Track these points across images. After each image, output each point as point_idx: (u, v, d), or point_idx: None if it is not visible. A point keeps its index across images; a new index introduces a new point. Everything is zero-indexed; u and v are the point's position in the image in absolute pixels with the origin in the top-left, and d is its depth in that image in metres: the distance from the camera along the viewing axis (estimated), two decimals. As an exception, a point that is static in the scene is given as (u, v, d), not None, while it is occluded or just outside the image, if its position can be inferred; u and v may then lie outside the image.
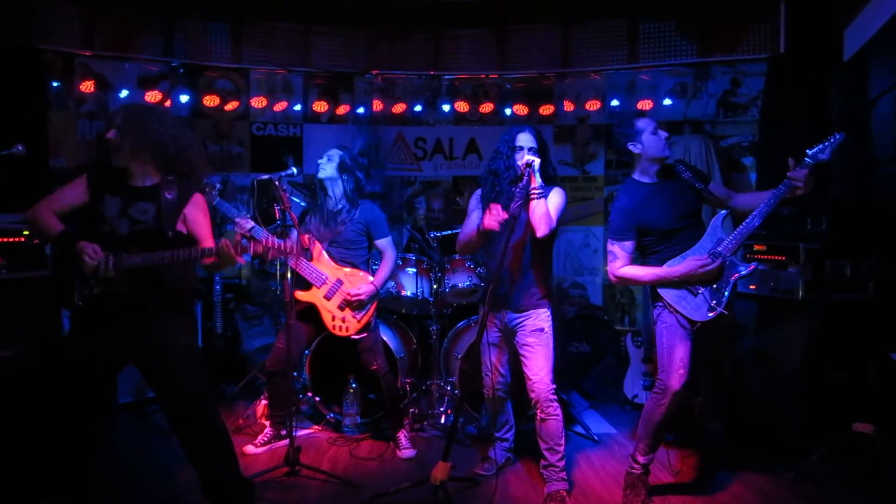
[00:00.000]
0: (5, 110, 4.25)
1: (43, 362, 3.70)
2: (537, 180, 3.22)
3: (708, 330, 3.17)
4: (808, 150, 3.04)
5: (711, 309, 3.11)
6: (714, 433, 3.60)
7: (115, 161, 2.82)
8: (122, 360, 2.90)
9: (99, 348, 2.77)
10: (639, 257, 3.39)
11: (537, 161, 3.23)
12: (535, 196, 3.21)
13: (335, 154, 4.00)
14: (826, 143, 3.03)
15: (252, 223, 3.85)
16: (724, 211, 3.30)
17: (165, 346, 2.81)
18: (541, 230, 3.22)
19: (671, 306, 3.20)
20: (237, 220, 3.85)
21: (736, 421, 3.76)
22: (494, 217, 3.19)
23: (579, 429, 4.39)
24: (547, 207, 3.25)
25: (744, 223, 3.13)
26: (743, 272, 3.12)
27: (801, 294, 3.74)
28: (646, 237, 3.28)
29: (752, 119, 5.71)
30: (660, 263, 3.25)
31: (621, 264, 3.28)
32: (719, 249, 3.13)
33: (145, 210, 2.80)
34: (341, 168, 3.96)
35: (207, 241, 2.88)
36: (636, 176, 3.36)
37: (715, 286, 3.13)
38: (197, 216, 2.90)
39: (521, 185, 3.23)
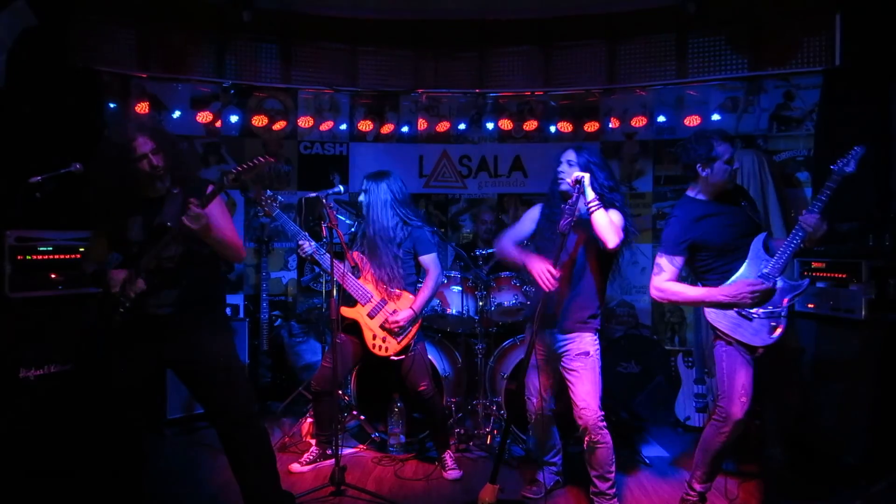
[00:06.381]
0: (64, 130, 4.38)
1: (91, 377, 3.78)
2: (589, 195, 3.12)
3: (771, 354, 3.05)
4: (832, 167, 2.95)
5: (772, 330, 3.01)
6: (775, 459, 3.46)
7: (141, 179, 2.87)
8: (162, 369, 2.98)
9: (138, 362, 2.86)
10: (692, 279, 3.29)
11: (587, 176, 3.15)
12: (595, 209, 3.10)
13: (372, 191, 3.97)
14: (849, 156, 2.93)
15: (314, 245, 3.84)
16: (763, 233, 3.17)
17: (204, 355, 2.88)
18: (610, 240, 3.08)
19: (728, 336, 3.08)
20: (299, 241, 3.85)
21: (798, 445, 3.60)
22: (547, 280, 3.13)
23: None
24: (611, 217, 3.12)
25: (786, 241, 3.04)
26: (798, 290, 3.02)
27: (863, 313, 3.59)
28: (700, 253, 3.18)
29: (806, 133, 5.54)
30: (715, 282, 3.14)
31: (667, 278, 3.16)
32: (766, 271, 3.04)
33: (160, 220, 2.87)
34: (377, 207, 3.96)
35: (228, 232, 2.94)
36: (692, 193, 3.26)
37: (771, 308, 3.02)
38: (213, 210, 2.87)
39: (570, 202, 3.16)
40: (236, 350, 3.06)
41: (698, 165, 3.14)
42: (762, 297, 3.01)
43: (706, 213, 3.17)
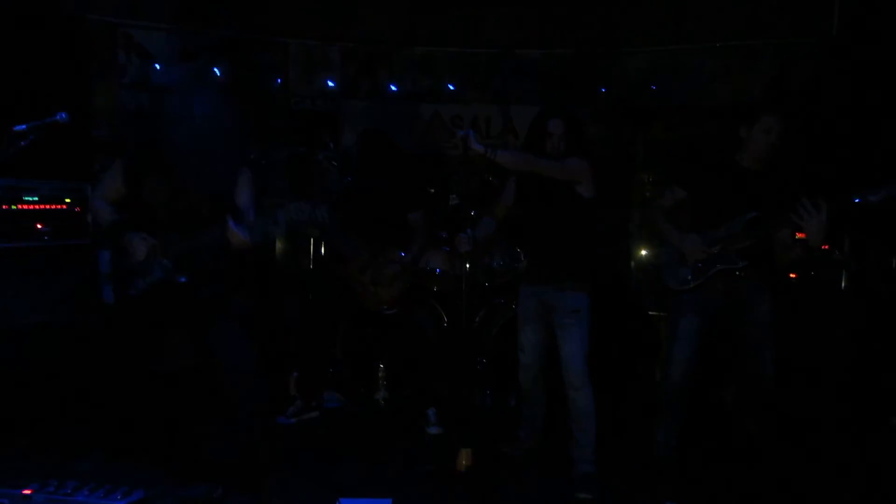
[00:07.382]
0: (49, 79, 4.30)
1: (82, 327, 3.80)
2: (478, 148, 3.25)
3: (745, 325, 3.13)
4: (862, 192, 2.75)
5: (684, 282, 3.25)
6: (747, 431, 3.55)
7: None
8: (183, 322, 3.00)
9: (163, 326, 2.91)
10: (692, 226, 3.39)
11: (469, 135, 3.30)
12: (492, 156, 3.24)
13: (366, 146, 3.95)
14: (883, 189, 2.71)
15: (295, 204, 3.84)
16: (755, 213, 3.19)
17: (227, 310, 2.90)
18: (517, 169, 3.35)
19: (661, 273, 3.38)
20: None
21: (770, 415, 3.68)
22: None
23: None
24: (511, 157, 3.32)
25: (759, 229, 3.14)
26: (728, 265, 3.15)
27: (843, 284, 3.64)
28: (691, 196, 3.36)
29: (799, 105, 5.51)
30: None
31: (664, 203, 3.45)
32: (722, 235, 3.17)
33: (189, 195, 2.81)
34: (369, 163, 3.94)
35: (249, 213, 2.88)
36: (738, 155, 3.33)
37: (700, 265, 3.20)
38: (242, 191, 2.91)
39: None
40: (251, 312, 3.06)
41: (742, 126, 3.29)
42: (700, 256, 3.22)
43: (728, 168, 3.29)
